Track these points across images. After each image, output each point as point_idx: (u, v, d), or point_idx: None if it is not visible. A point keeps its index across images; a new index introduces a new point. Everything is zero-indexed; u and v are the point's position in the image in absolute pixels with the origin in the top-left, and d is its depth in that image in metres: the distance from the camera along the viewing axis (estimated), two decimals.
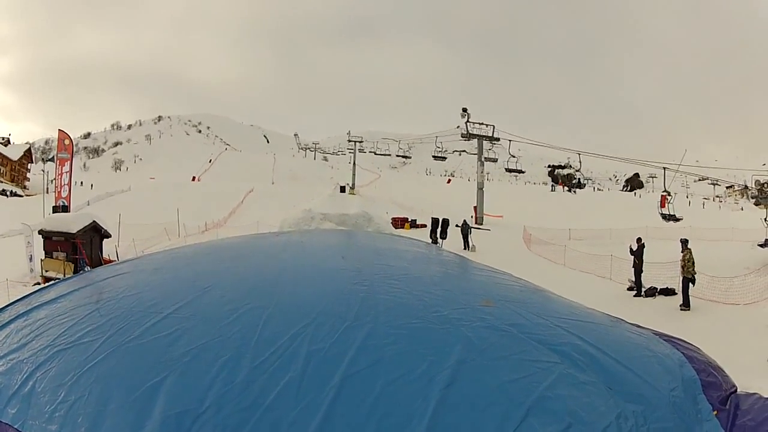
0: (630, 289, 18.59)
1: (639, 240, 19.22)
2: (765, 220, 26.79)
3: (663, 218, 29.11)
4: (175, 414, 2.39)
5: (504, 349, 2.90)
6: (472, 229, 32.31)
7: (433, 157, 60.69)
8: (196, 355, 2.72)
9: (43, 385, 2.75)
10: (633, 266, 18.50)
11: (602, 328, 3.48)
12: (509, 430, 2.36)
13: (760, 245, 26.20)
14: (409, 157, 73.26)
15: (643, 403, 2.74)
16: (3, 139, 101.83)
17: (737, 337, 12.23)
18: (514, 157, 44.76)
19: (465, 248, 29.37)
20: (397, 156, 72.83)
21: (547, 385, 2.64)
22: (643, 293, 17.91)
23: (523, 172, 57.79)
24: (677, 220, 28.81)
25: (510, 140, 45.16)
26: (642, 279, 18.23)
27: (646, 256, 18.50)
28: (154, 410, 2.41)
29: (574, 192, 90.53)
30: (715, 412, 2.90)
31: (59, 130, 35.87)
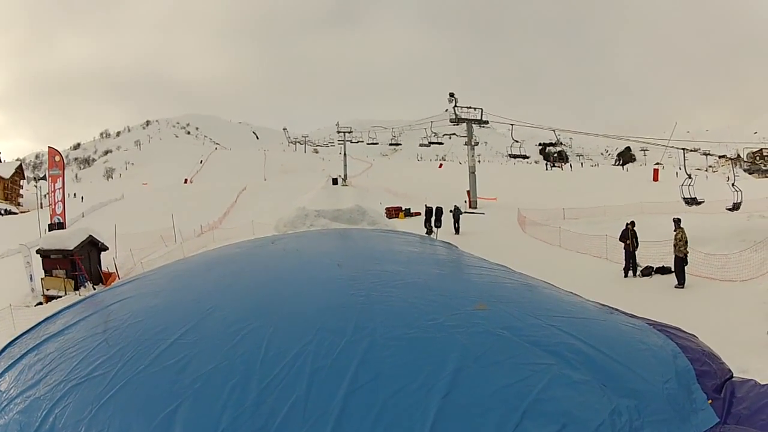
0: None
1: (628, 225, 18.98)
2: (733, 185, 26.59)
3: (685, 203, 27.51)
4: None
5: (498, 353, 2.98)
6: (462, 214, 32.60)
7: (429, 142, 60.54)
8: (206, 380, 2.81)
9: (63, 422, 2.81)
10: (624, 248, 18.55)
11: (595, 323, 3.55)
12: None
13: (728, 209, 26.31)
14: (400, 144, 73.06)
15: (636, 397, 2.82)
16: None
17: (734, 315, 12.20)
18: (517, 142, 44.12)
19: (456, 233, 29.89)
20: (390, 144, 72.68)
21: (541, 387, 2.73)
22: (639, 273, 17.96)
23: (527, 158, 57.64)
24: (699, 203, 27.32)
25: (512, 124, 44.58)
26: (637, 258, 18.22)
27: (641, 234, 18.51)
28: None
29: (560, 167, 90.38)
30: (710, 401, 2.97)
31: (49, 147, 35.92)
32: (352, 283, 3.92)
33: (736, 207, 26.21)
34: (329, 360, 2.89)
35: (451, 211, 31.35)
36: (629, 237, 18.35)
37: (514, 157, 51.21)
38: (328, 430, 2.48)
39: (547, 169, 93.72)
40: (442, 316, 3.33)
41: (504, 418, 2.54)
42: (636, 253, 18.32)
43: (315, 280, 4.18)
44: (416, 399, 2.64)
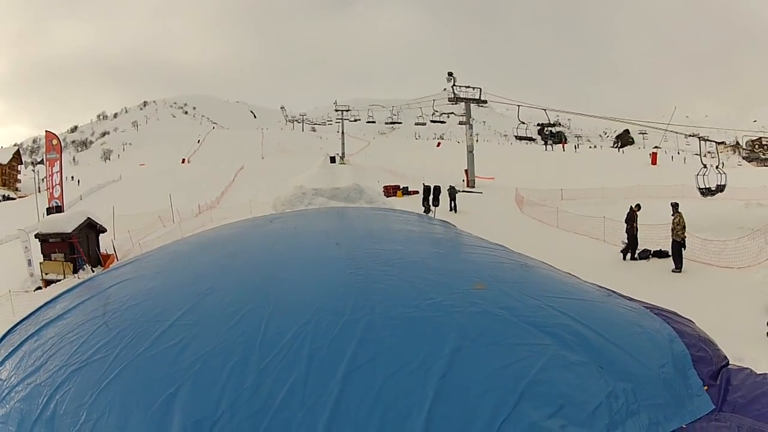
0: (624, 251, 18.57)
1: (632, 208, 18.71)
2: (717, 167, 26.11)
3: (701, 194, 26.34)
4: (192, 423, 2.49)
5: (496, 334, 2.98)
6: (459, 193, 32.65)
7: (432, 121, 60.29)
8: (205, 362, 2.81)
9: (64, 407, 2.82)
10: (626, 230, 18.37)
11: (593, 305, 3.55)
12: (503, 417, 2.47)
13: (712, 190, 25.88)
14: (400, 123, 72.72)
15: (633, 380, 2.82)
16: None
17: (730, 303, 12.13)
18: (523, 123, 43.46)
19: (451, 210, 30.12)
20: (387, 123, 72.29)
21: (538, 368, 2.74)
22: (637, 256, 17.88)
23: (533, 140, 57.28)
24: (714, 192, 26.10)
25: (518, 105, 43.98)
26: (638, 240, 18.03)
27: (639, 218, 18.40)
28: (173, 421, 2.52)
29: (551, 147, 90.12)
30: (706, 387, 2.97)
31: (46, 131, 35.92)
32: (350, 262, 3.92)
33: (720, 189, 25.67)
34: (328, 340, 2.89)
35: (447, 190, 31.35)
36: (635, 220, 18.20)
37: (521, 139, 50.60)
38: (326, 411, 2.49)
39: (546, 150, 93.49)
40: (440, 295, 3.33)
41: (501, 399, 2.55)
42: (637, 237, 18.09)
43: (313, 259, 4.18)
44: (414, 380, 2.64)
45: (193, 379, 2.72)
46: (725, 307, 11.69)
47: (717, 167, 25.85)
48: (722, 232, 18.22)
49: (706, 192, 26.17)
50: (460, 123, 54.56)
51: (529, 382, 2.64)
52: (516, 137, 51.06)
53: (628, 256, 18.03)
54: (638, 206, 18.79)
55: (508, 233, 15.01)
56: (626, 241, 18.41)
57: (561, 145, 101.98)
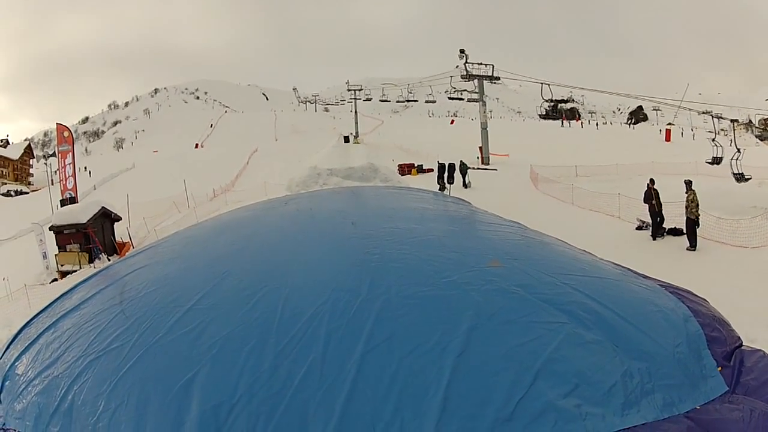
0: (639, 228, 18.22)
1: (648, 184, 18.05)
2: (713, 140, 25.48)
3: (736, 179, 24.21)
4: (211, 407, 2.51)
5: (512, 312, 2.96)
6: (469, 169, 32.50)
7: (450, 98, 59.75)
8: (223, 346, 2.83)
9: (82, 398, 2.84)
10: (649, 209, 17.79)
11: (608, 283, 3.50)
12: (519, 396, 2.46)
13: (708, 162, 25.49)
14: (416, 101, 72.19)
15: (648, 360, 2.79)
16: (1, 141, 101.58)
17: (744, 283, 11.87)
18: (547, 101, 42.26)
19: (465, 186, 30.05)
20: (398, 101, 71.78)
21: (554, 346, 2.72)
22: (663, 233, 17.19)
23: (557, 118, 56.30)
24: (747, 179, 24.08)
25: (542, 83, 43.14)
26: (663, 217, 17.42)
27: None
28: (191, 406, 2.53)
29: (569, 124, 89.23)
30: (719, 368, 2.92)
31: (57, 124, 35.80)
32: (366, 242, 3.93)
33: (716, 161, 25.04)
34: (344, 320, 2.90)
35: (458, 167, 31.15)
36: (653, 197, 17.66)
37: (546, 117, 49.35)
38: (344, 391, 2.50)
39: (562, 126, 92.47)
40: (456, 273, 3.33)
41: (517, 377, 2.55)
42: (662, 212, 17.40)
43: (329, 239, 4.19)
44: (431, 358, 2.64)
45: (210, 364, 2.73)
46: (739, 286, 11.46)
47: (713, 140, 25.33)
48: (736, 211, 17.90)
49: (740, 178, 24.85)
50: (469, 100, 54.10)
51: (545, 361, 2.63)
52: (541, 116, 50.16)
53: (643, 232, 17.62)
54: (652, 181, 18.27)
55: (523, 210, 14.89)
56: (643, 219, 18.00)
57: (578, 122, 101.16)
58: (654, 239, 17.28)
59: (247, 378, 2.61)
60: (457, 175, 30.92)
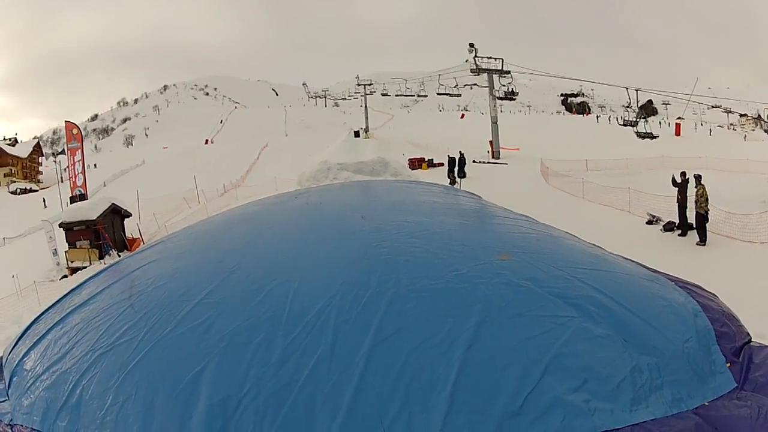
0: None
1: (683, 174, 17.59)
2: (644, 119, 24.94)
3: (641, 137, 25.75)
4: (219, 401, 2.52)
5: (521, 305, 2.95)
6: (476, 163, 32.52)
7: (445, 93, 59.66)
8: (231, 339, 2.83)
9: (90, 392, 2.85)
10: (677, 201, 17.28)
11: (618, 277, 3.47)
12: (527, 390, 2.45)
13: (636, 132, 25.18)
14: (426, 96, 72.05)
15: (657, 355, 2.76)
16: (10, 139, 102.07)
17: (754, 279, 11.77)
18: (576, 95, 41.73)
19: (463, 177, 29.97)
20: (408, 95, 71.66)
21: (563, 341, 2.70)
22: (695, 229, 16.60)
23: (589, 113, 55.97)
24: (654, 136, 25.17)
25: (561, 77, 43.04)
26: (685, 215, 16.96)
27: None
28: (199, 400, 2.54)
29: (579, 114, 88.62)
30: (728, 365, 2.89)
31: (66, 121, 35.98)
32: (375, 235, 3.93)
33: (649, 135, 24.98)
34: (353, 314, 2.90)
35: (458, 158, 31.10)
36: (685, 188, 16.96)
37: (578, 112, 48.82)
38: (352, 384, 2.50)
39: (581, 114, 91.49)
40: (465, 266, 3.31)
41: (526, 371, 2.53)
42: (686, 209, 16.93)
43: (338, 233, 4.20)
44: (439, 352, 2.63)
45: (219, 357, 2.74)
46: (748, 282, 11.35)
47: (645, 119, 25.09)
48: (745, 206, 17.71)
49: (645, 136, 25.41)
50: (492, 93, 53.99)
51: (554, 355, 2.61)
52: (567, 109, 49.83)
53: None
54: (684, 173, 17.51)
55: (533, 204, 14.82)
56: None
57: (587, 116, 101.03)
58: (682, 235, 16.65)
59: (255, 371, 2.62)
60: (469, 167, 30.84)
